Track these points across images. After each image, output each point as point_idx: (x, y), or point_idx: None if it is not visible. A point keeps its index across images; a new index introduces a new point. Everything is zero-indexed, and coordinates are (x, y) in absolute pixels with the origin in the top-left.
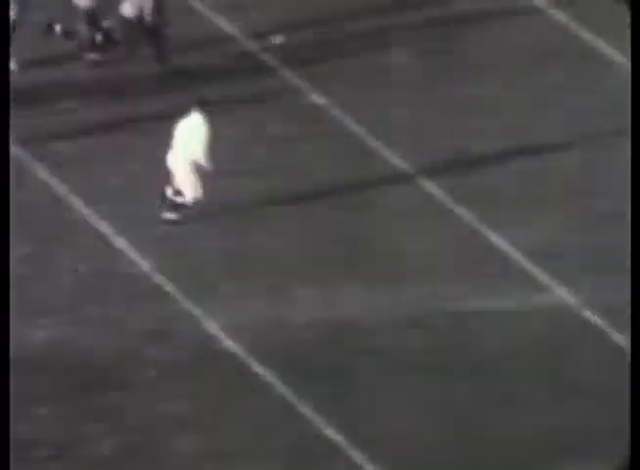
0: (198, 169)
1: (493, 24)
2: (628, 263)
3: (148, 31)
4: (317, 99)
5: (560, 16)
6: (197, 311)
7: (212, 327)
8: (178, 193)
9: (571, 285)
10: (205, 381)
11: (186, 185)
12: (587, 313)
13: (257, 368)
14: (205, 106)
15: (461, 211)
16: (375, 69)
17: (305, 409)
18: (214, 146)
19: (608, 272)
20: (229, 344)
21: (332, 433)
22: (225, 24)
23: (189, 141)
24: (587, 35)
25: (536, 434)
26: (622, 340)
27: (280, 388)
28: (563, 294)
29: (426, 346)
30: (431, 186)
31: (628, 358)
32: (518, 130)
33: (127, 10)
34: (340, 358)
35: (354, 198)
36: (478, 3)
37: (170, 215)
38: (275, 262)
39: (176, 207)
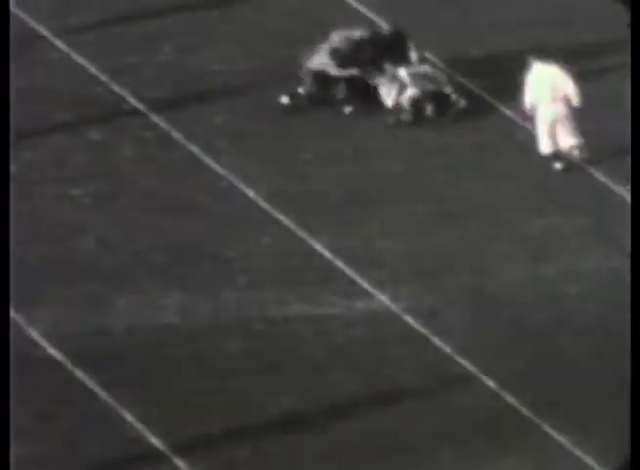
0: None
1: None
2: (448, 269)
3: None
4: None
5: None
6: (19, 318)
7: (34, 334)
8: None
9: (392, 291)
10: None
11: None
12: (409, 319)
13: (80, 375)
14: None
15: (282, 216)
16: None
17: (128, 416)
18: None
19: (429, 278)
20: (52, 351)
21: (154, 439)
22: None
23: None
24: None
25: (363, 437)
26: (443, 345)
27: (102, 394)
28: (384, 300)
29: (248, 350)
30: (252, 191)
31: (450, 362)
32: (339, 134)
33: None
34: (162, 364)
35: (177, 202)
36: None
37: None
38: (95, 269)
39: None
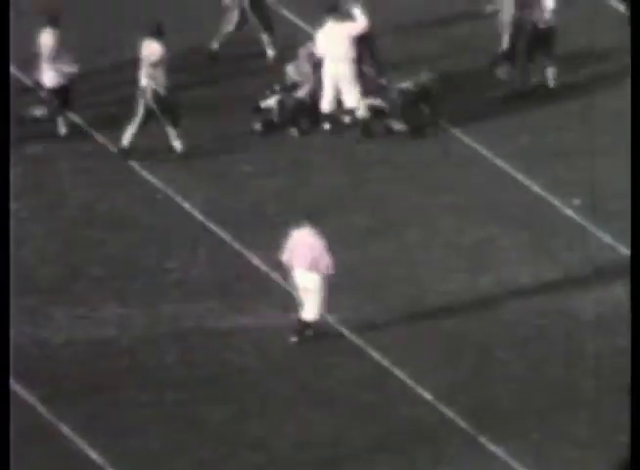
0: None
1: None
2: (386, 280)
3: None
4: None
5: None
6: None
7: None
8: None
9: (329, 302)
10: None
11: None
12: (345, 331)
13: (17, 388)
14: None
15: (218, 228)
16: None
17: (65, 429)
18: None
19: (366, 289)
20: None
21: (92, 452)
22: None
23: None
24: None
25: (300, 448)
26: (380, 356)
27: (40, 408)
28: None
29: (185, 363)
30: (188, 203)
31: (387, 374)
32: (275, 148)
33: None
34: (100, 377)
35: (114, 215)
36: None
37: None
38: (33, 281)
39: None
